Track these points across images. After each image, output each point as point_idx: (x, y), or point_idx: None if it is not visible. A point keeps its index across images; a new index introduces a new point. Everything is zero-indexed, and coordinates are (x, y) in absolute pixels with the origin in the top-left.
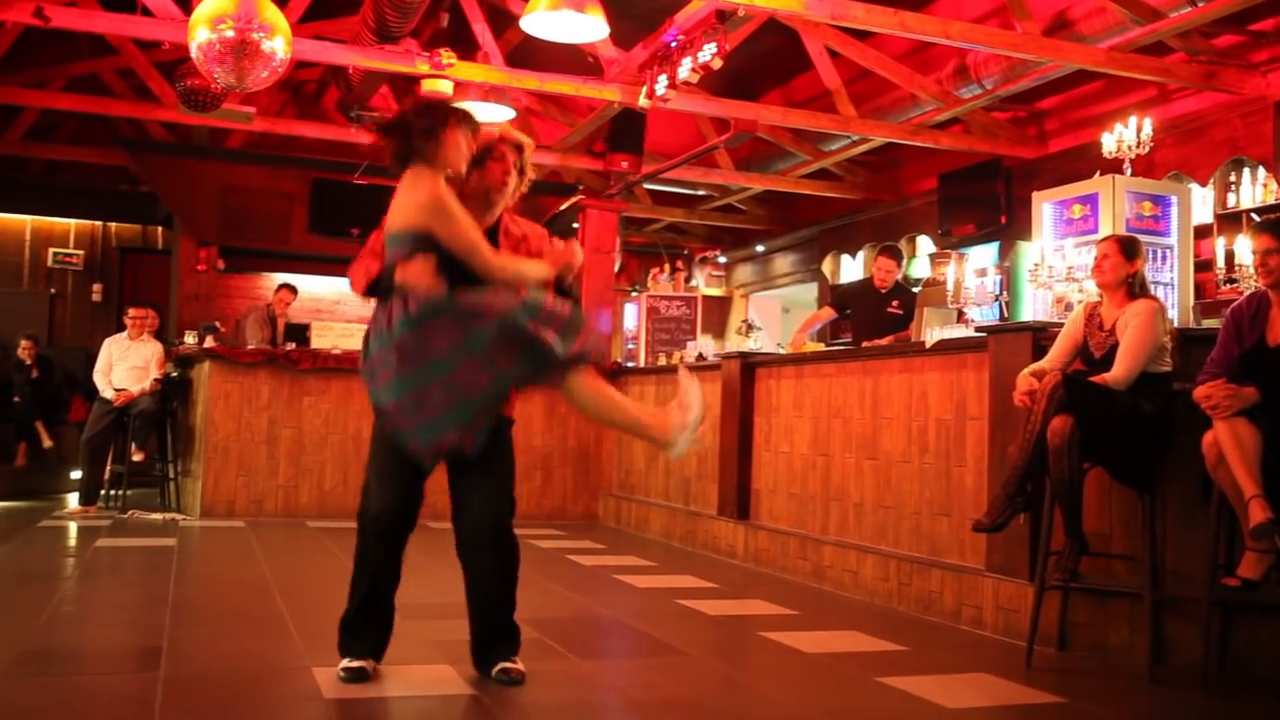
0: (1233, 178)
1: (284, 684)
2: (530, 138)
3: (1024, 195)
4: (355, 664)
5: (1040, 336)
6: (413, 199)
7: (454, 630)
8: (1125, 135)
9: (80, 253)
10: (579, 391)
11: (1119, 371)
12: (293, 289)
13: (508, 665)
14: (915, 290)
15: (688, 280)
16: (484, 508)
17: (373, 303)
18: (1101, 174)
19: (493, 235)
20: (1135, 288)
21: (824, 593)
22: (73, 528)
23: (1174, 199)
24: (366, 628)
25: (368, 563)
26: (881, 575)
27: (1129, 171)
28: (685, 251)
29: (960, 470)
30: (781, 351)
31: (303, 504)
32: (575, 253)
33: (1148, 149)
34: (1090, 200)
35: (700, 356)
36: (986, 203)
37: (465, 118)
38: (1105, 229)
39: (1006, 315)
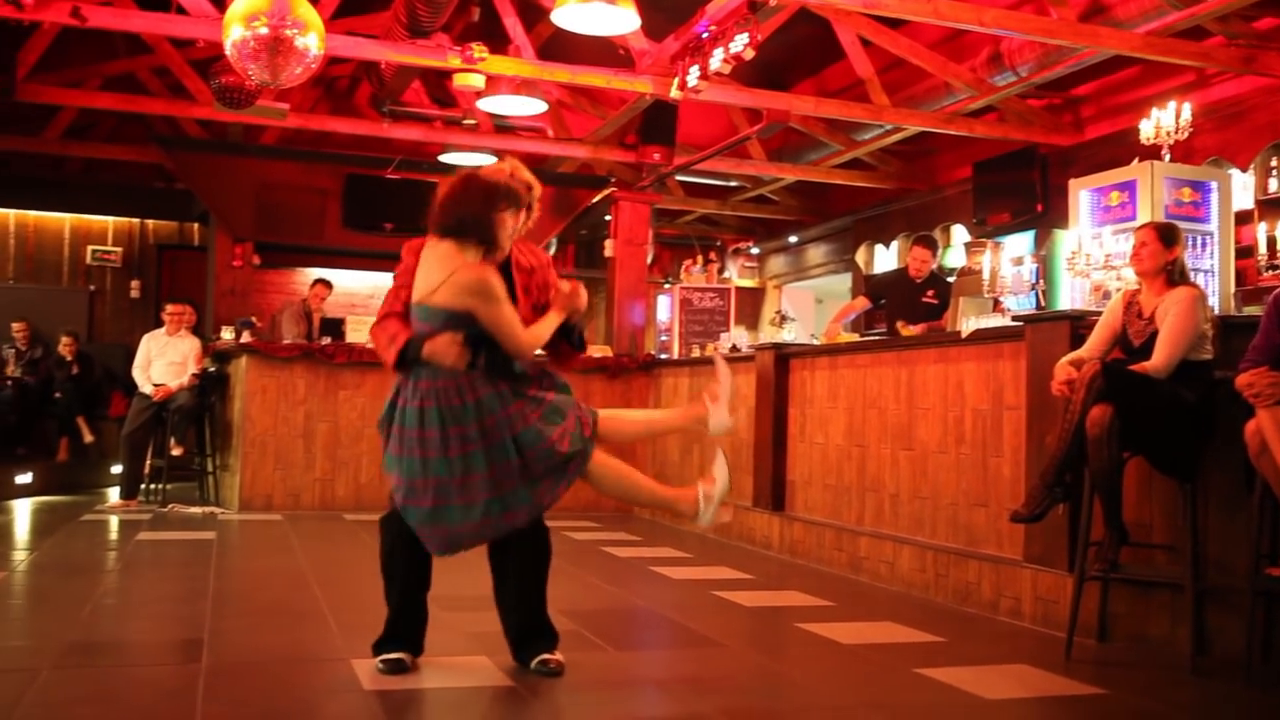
0: (1274, 162)
1: (323, 675)
2: (561, 131)
3: (1060, 183)
4: (393, 655)
5: (1078, 325)
6: (459, 281)
7: (490, 622)
8: (1164, 121)
9: (118, 250)
10: (600, 481)
11: (1159, 360)
12: (328, 284)
13: (548, 656)
14: (950, 280)
15: (720, 272)
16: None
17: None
18: (1140, 160)
19: (506, 269)
20: (1175, 275)
21: (860, 584)
22: (114, 521)
23: (1214, 185)
24: (406, 627)
25: (397, 564)
26: (918, 566)
27: (1167, 157)
28: (718, 243)
29: (997, 460)
30: (815, 342)
31: (339, 497)
32: (580, 295)
33: (1186, 134)
34: (1128, 187)
35: (734, 348)
36: (1022, 191)
37: (516, 198)
38: (1144, 216)
39: (1043, 304)
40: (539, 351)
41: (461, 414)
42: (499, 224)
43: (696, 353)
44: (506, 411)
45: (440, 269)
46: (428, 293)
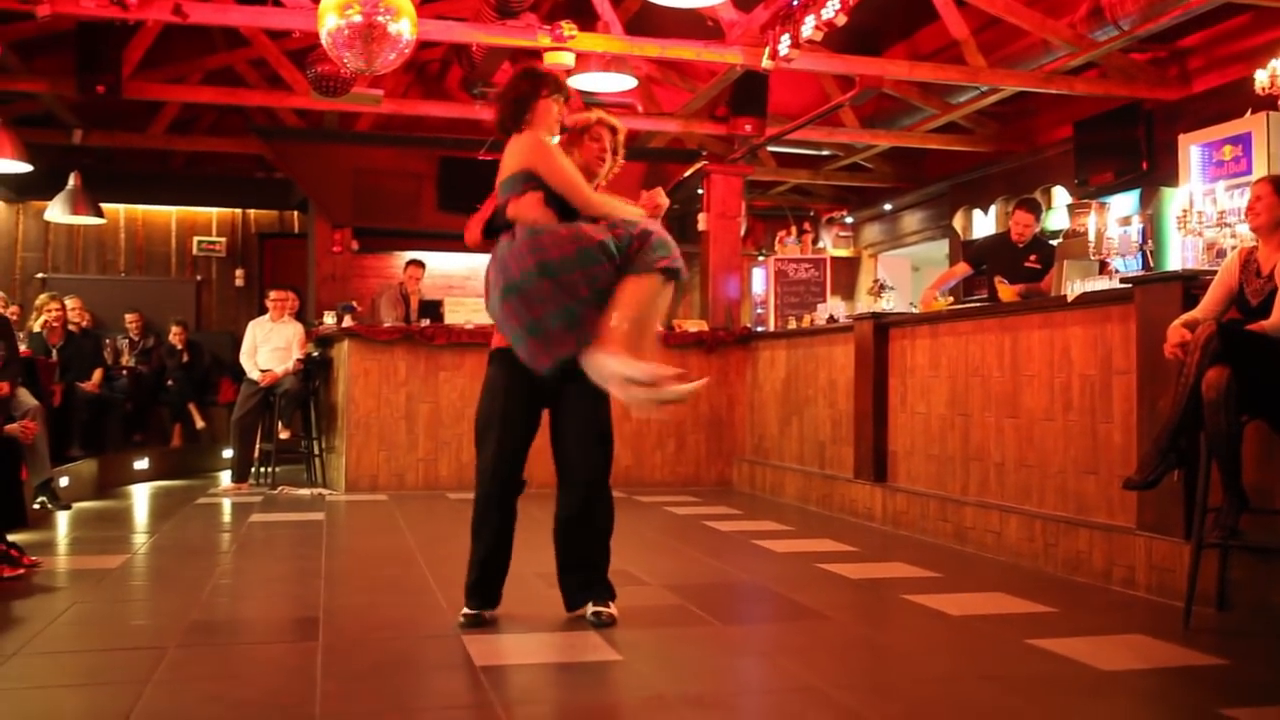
0: None
1: (435, 651)
2: (651, 107)
3: (1166, 139)
4: (473, 611)
5: (1191, 286)
6: (517, 148)
7: None
8: None
9: (222, 240)
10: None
11: (1279, 319)
12: (421, 264)
13: (602, 608)
14: (1053, 243)
15: (815, 242)
16: (582, 450)
17: None
18: (1254, 112)
19: None
20: None
21: (966, 554)
22: (227, 504)
23: None
24: (488, 586)
25: (485, 524)
26: (1026, 536)
27: None
28: (811, 213)
29: (1107, 427)
30: (914, 311)
31: (442, 476)
32: (661, 197)
33: None
34: (1243, 140)
35: (831, 319)
36: (1126, 149)
37: (556, 85)
38: (1259, 170)
39: (1151, 265)
40: None
41: (551, 228)
42: (542, 108)
43: (793, 324)
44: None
45: (507, 155)
46: (501, 173)
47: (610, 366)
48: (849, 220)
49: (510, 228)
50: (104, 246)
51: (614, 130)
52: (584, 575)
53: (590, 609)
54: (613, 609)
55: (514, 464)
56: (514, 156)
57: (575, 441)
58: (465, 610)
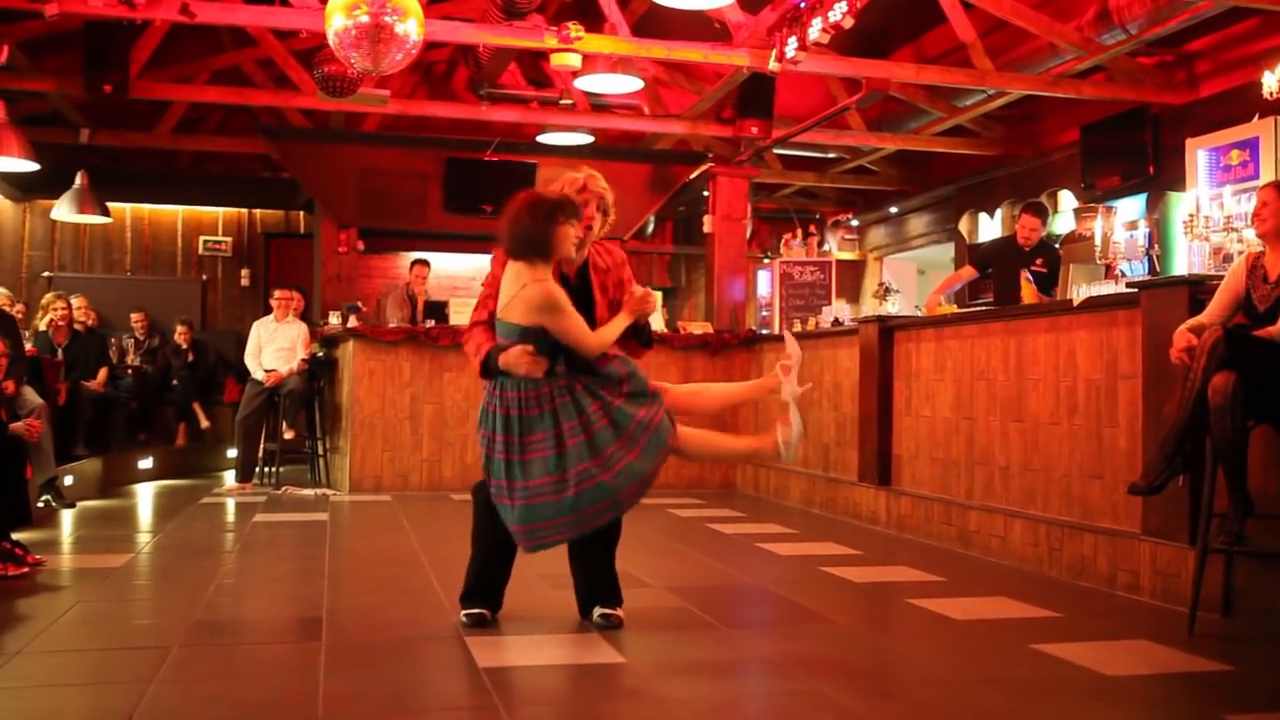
0: None
1: (438, 652)
2: (657, 108)
3: (1173, 143)
4: (475, 610)
5: (1197, 290)
6: (526, 299)
7: None
8: None
9: (228, 239)
10: (686, 451)
11: None
12: (426, 263)
13: (609, 611)
14: (1057, 247)
15: (820, 245)
16: None
17: None
18: (1261, 117)
19: (584, 272)
20: None
21: (970, 558)
22: (231, 504)
23: None
24: (488, 587)
25: (484, 534)
26: (1031, 540)
27: None
28: (817, 216)
29: (1112, 431)
30: (919, 314)
31: (446, 478)
32: (650, 300)
33: None
34: (1250, 145)
35: (836, 322)
36: (1132, 153)
37: (571, 210)
38: (1267, 175)
39: (1157, 270)
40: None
41: (539, 423)
42: (560, 238)
43: (798, 327)
44: (583, 417)
45: (512, 286)
46: (503, 309)
47: (790, 455)
48: (854, 223)
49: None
50: (110, 245)
51: (601, 195)
52: (592, 580)
53: (597, 611)
54: (620, 613)
55: None
56: (522, 305)
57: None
58: (465, 612)
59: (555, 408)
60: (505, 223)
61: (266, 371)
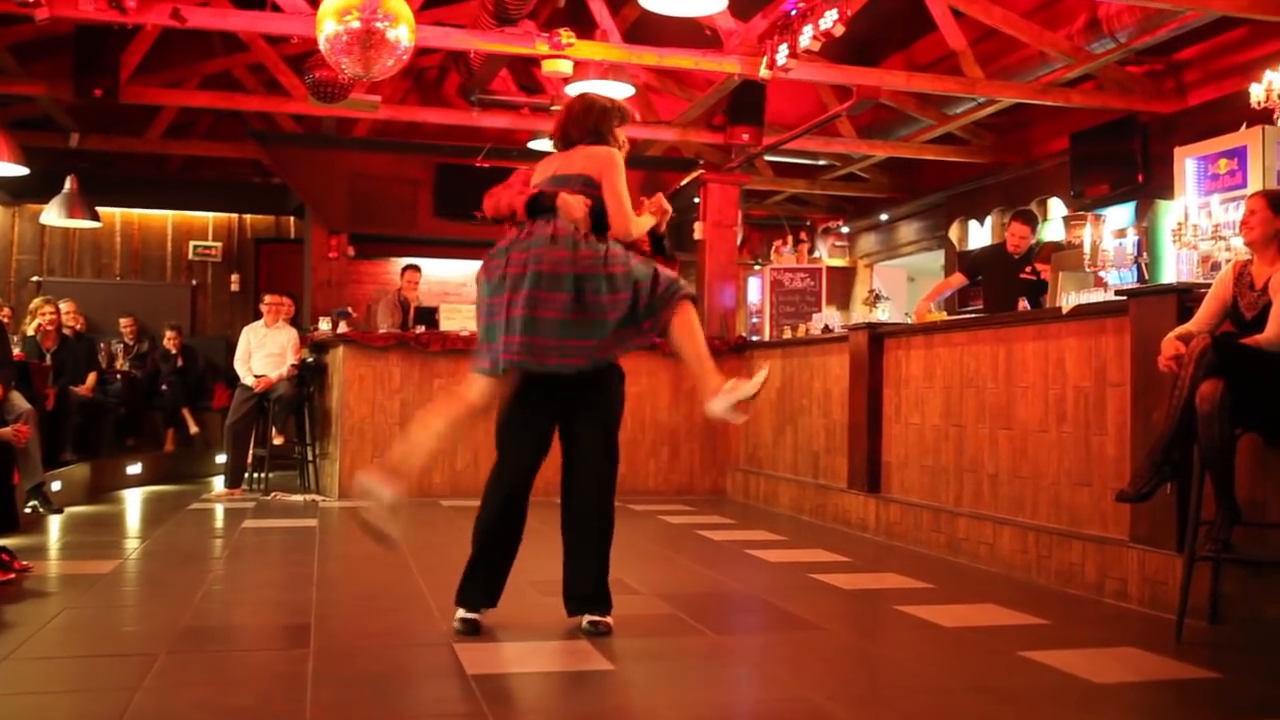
0: None
1: (428, 660)
2: (648, 115)
3: (1162, 152)
4: (470, 615)
5: (1185, 299)
6: (594, 154)
7: None
8: (1275, 83)
9: (218, 245)
10: (673, 331)
11: (1272, 332)
12: (418, 269)
13: (597, 618)
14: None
15: (811, 252)
16: (586, 462)
17: None
18: (1249, 126)
19: None
20: None
21: (959, 565)
22: (219, 510)
23: None
24: (478, 585)
25: (484, 521)
26: (1019, 547)
27: None
28: (808, 223)
29: (1101, 439)
30: (909, 322)
31: (436, 484)
32: (663, 202)
33: None
34: (1238, 154)
35: (826, 329)
36: (1122, 161)
37: (625, 117)
38: (1255, 184)
39: (1146, 278)
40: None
41: (556, 282)
42: (617, 136)
43: (788, 334)
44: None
45: (581, 155)
46: (563, 168)
47: (721, 406)
48: (845, 230)
49: (547, 212)
50: (99, 250)
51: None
52: (583, 585)
53: (586, 619)
54: (609, 620)
55: (520, 473)
56: (587, 160)
57: (581, 454)
58: (458, 615)
59: (578, 273)
60: (577, 113)
61: (256, 377)
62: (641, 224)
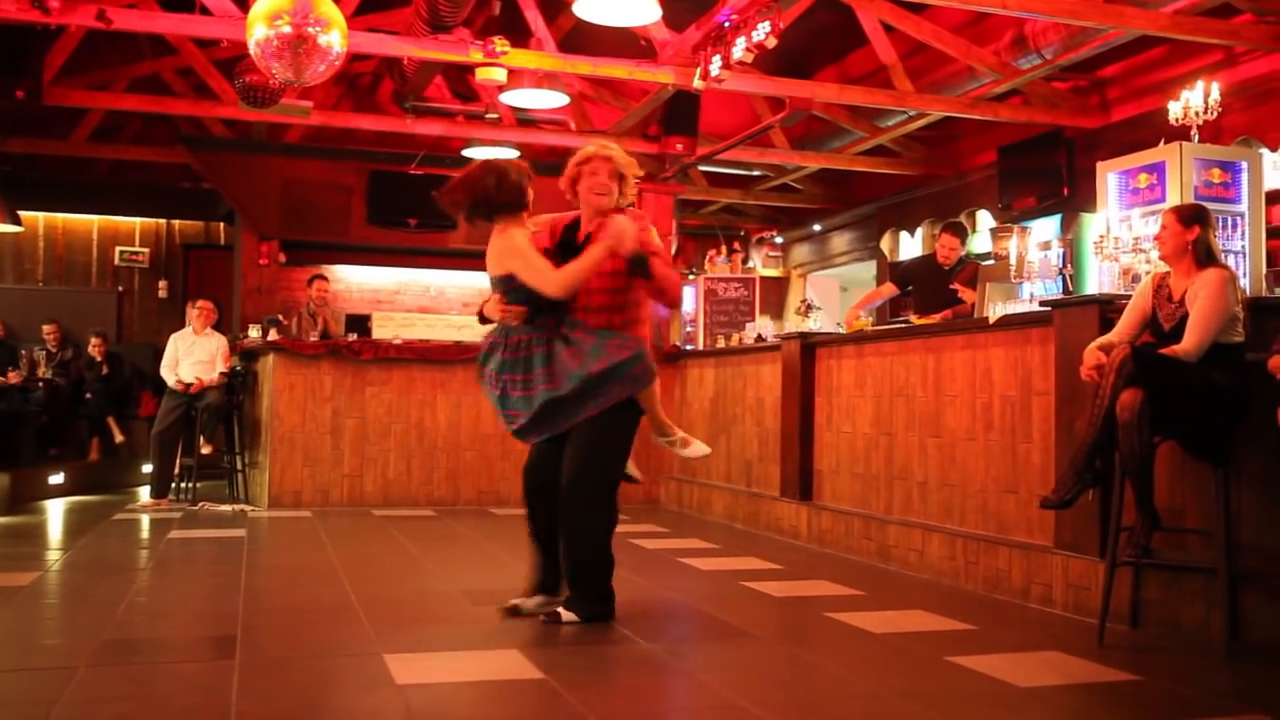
0: None
1: (356, 670)
2: (583, 124)
3: (1086, 166)
4: (512, 602)
5: (1107, 309)
6: (492, 248)
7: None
8: (1192, 101)
9: (146, 250)
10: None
11: (1189, 343)
12: (323, 277)
13: (557, 609)
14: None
15: (745, 261)
16: (572, 459)
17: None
18: (1167, 141)
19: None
20: (1201, 255)
21: (889, 572)
22: (145, 520)
23: (1244, 165)
24: (535, 571)
25: (529, 509)
26: (948, 554)
27: (1196, 138)
28: (742, 232)
29: (1026, 446)
30: (841, 331)
31: (368, 493)
32: (625, 233)
33: (1215, 114)
34: (1157, 169)
35: (759, 338)
36: (1048, 175)
37: (529, 174)
38: (1173, 198)
39: (1070, 289)
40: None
41: (518, 365)
42: (526, 198)
43: (721, 343)
44: (550, 366)
45: (493, 246)
46: (489, 265)
47: (663, 442)
48: (778, 240)
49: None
50: (21, 255)
51: (609, 159)
52: (565, 576)
53: (544, 602)
54: (571, 614)
55: (539, 465)
56: (498, 259)
57: (572, 451)
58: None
59: (531, 355)
60: (461, 192)
61: (185, 385)
62: (581, 266)
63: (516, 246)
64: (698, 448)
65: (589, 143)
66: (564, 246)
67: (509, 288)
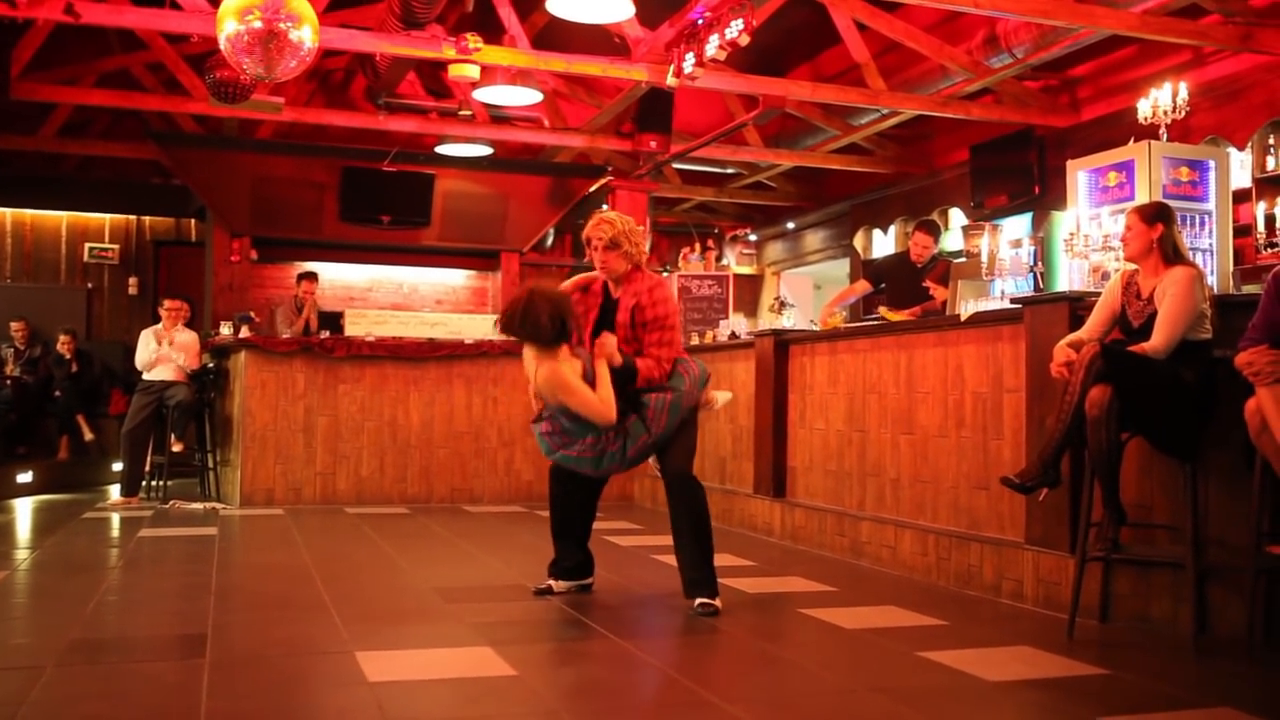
0: (1271, 141)
1: (327, 668)
2: (557, 121)
3: (1057, 165)
4: (544, 584)
5: (1077, 307)
6: (539, 387)
7: (493, 612)
8: (1161, 100)
9: (115, 247)
10: None
11: (1158, 340)
12: (314, 275)
13: (705, 600)
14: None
15: (719, 259)
16: (674, 459)
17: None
18: (1136, 140)
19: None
20: (1168, 253)
21: (862, 568)
22: (115, 519)
23: (1211, 163)
24: (561, 559)
25: (554, 499)
26: (920, 550)
27: (1165, 137)
28: (715, 230)
29: (998, 443)
30: (815, 328)
31: (340, 490)
32: (605, 350)
33: (1184, 113)
34: (1126, 167)
35: (733, 335)
36: (1019, 173)
37: (569, 304)
38: (1141, 196)
39: (1041, 286)
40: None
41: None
42: (569, 328)
43: (696, 340)
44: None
45: (530, 364)
46: (542, 385)
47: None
48: (752, 238)
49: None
50: None
51: (602, 238)
52: (685, 568)
53: (697, 602)
54: (715, 603)
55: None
56: (551, 390)
57: (674, 449)
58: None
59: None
60: (516, 316)
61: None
62: (605, 389)
63: (567, 384)
64: (723, 395)
65: (594, 214)
66: (603, 309)
67: (563, 410)
